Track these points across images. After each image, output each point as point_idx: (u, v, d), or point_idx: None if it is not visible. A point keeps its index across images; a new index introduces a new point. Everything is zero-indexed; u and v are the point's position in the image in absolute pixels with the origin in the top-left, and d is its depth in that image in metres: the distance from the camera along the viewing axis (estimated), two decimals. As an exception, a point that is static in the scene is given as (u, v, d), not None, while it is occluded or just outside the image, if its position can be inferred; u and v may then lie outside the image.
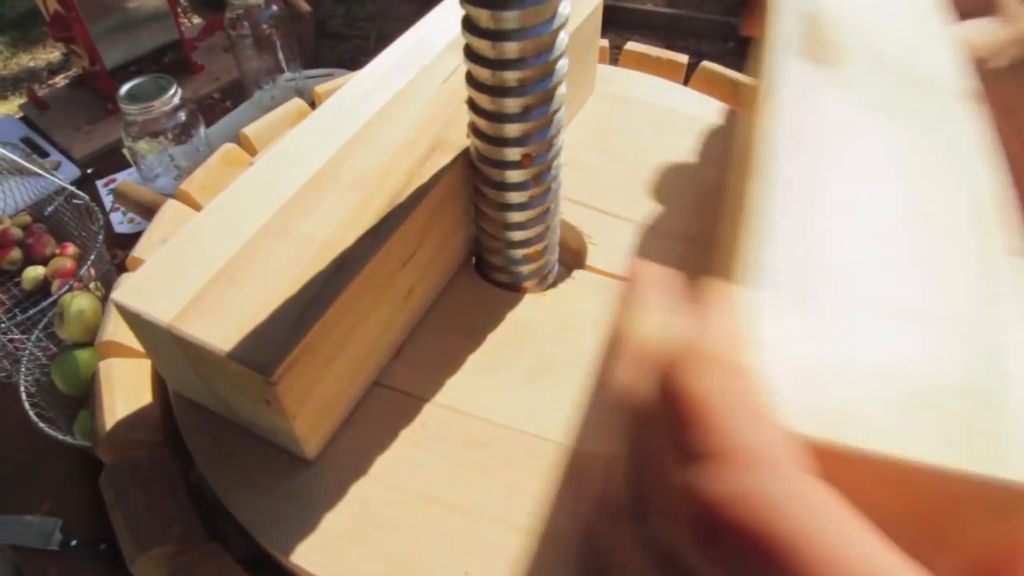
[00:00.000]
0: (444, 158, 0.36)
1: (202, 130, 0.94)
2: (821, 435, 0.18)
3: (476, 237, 0.41)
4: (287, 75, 1.06)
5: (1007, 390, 0.19)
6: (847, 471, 0.17)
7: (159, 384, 0.38)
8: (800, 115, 0.28)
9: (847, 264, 0.23)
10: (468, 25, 0.30)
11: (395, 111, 0.39)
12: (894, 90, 0.30)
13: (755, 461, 0.14)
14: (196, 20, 1.67)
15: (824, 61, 0.31)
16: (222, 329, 0.29)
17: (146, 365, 0.39)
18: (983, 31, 0.39)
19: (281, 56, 1.04)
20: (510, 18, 0.29)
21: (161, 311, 0.29)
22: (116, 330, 0.39)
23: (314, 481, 0.32)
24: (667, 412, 0.16)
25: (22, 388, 0.76)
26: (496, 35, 0.30)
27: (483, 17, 0.29)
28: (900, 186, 0.26)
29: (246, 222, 0.33)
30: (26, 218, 0.97)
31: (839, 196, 0.25)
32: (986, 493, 0.17)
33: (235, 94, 1.17)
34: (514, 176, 0.35)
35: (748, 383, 0.16)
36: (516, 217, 0.37)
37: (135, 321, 0.30)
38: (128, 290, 0.30)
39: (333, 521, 0.31)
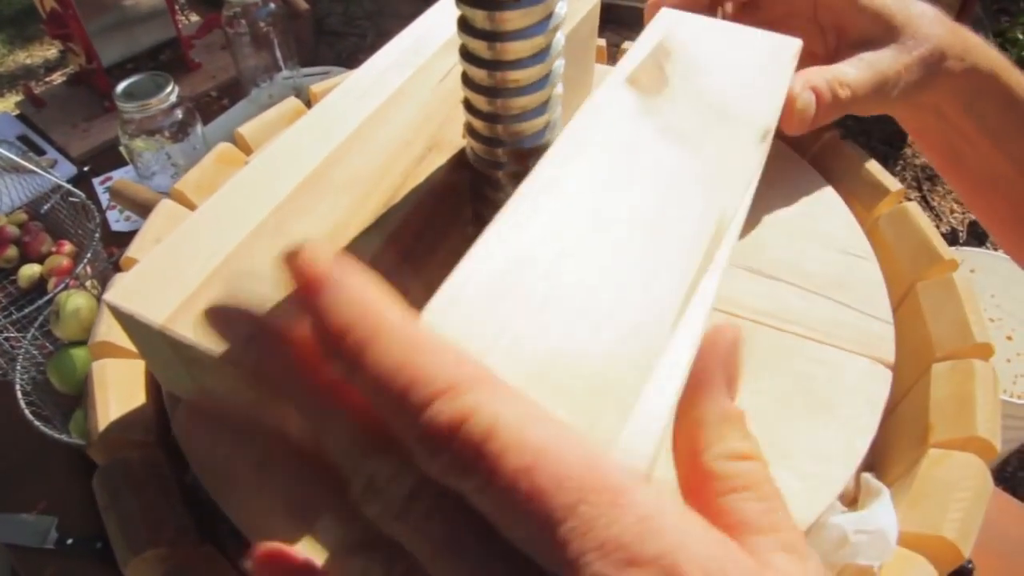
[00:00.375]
0: (440, 158, 0.36)
1: (199, 128, 0.94)
2: None
3: (473, 238, 0.41)
4: (285, 73, 1.06)
5: (643, 388, 0.22)
6: None
7: (153, 385, 0.38)
8: (589, 129, 0.31)
9: (551, 256, 0.26)
10: (464, 26, 0.30)
11: (391, 111, 0.39)
12: (695, 121, 0.32)
13: (476, 381, 0.16)
14: (193, 18, 1.66)
15: (644, 89, 0.33)
16: None
17: (139, 366, 0.38)
18: (886, 60, 0.42)
19: (279, 54, 1.04)
20: (507, 19, 0.29)
21: (154, 312, 0.29)
22: (109, 331, 0.39)
23: (309, 483, 0.32)
24: (375, 388, 0.17)
25: (18, 386, 0.75)
26: (492, 36, 0.29)
27: (479, 17, 0.29)
28: (649, 200, 0.28)
29: (241, 222, 0.33)
30: (22, 216, 0.97)
31: (583, 201, 0.28)
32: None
33: (232, 92, 1.16)
34: (509, 177, 0.35)
35: (421, 329, 0.17)
36: (512, 218, 0.36)
37: (128, 322, 0.30)
38: (121, 291, 0.30)
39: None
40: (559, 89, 0.33)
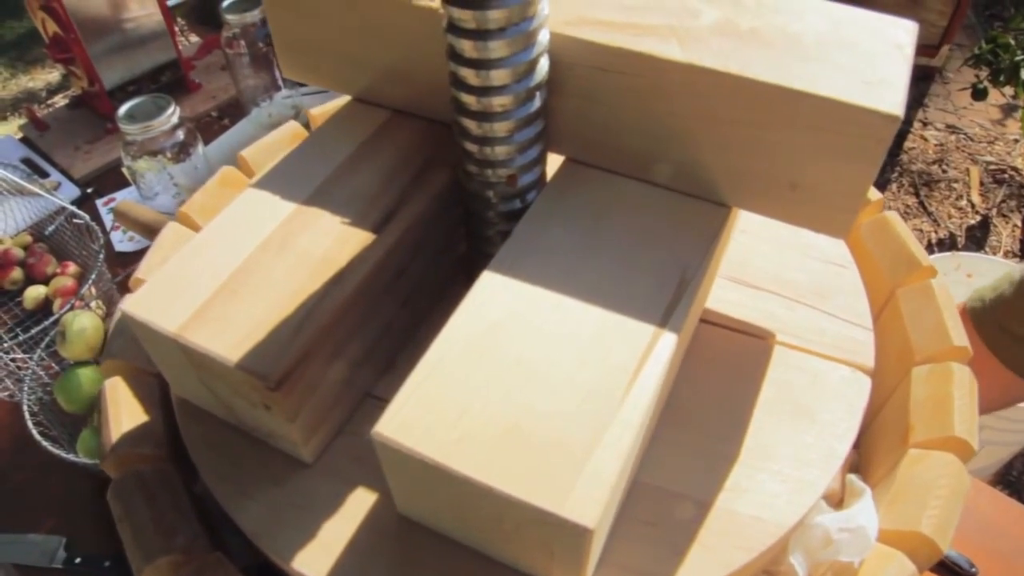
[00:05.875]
0: (437, 175, 0.38)
1: (200, 148, 0.95)
2: (413, 445, 0.26)
3: (465, 256, 0.42)
4: (284, 92, 1.07)
5: (596, 446, 0.25)
6: None
7: (163, 401, 0.39)
8: (569, 188, 0.35)
9: (523, 323, 0.29)
10: (452, 55, 0.32)
11: (390, 131, 0.40)
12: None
13: None
14: (193, 39, 1.68)
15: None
16: (225, 338, 0.30)
17: (150, 383, 0.40)
18: None
19: (278, 73, 1.05)
20: (493, 47, 0.30)
21: (168, 321, 0.31)
22: (121, 349, 0.40)
23: (314, 491, 0.34)
24: None
25: (25, 407, 0.76)
26: (479, 64, 0.31)
27: (467, 47, 0.31)
28: (616, 263, 0.31)
29: (247, 238, 0.35)
30: (27, 238, 0.98)
31: (555, 266, 0.31)
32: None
33: (233, 112, 1.18)
34: (499, 196, 0.36)
35: None
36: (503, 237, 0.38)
37: (143, 330, 0.32)
38: (137, 301, 0.32)
39: (333, 528, 0.32)
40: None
